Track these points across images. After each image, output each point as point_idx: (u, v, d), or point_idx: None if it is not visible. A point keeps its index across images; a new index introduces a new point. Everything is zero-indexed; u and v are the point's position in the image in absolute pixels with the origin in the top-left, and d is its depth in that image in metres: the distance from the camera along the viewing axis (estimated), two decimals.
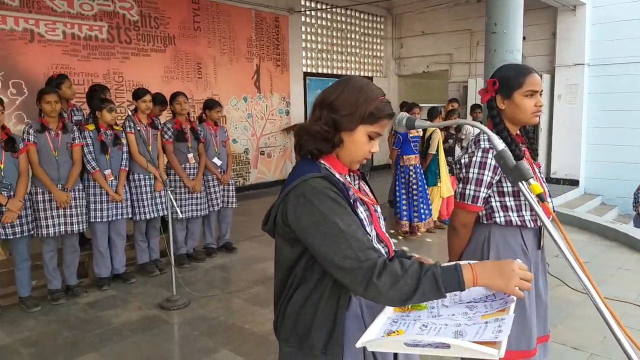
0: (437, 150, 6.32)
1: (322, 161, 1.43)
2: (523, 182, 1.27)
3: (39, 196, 4.13)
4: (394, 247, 1.53)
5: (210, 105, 5.35)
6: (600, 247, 5.90)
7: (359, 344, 1.19)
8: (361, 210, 1.41)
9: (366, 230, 1.38)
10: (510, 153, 1.30)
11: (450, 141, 6.49)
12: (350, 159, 1.43)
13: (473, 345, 1.07)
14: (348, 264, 1.24)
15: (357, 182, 1.53)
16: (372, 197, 1.55)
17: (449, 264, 1.27)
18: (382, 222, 1.52)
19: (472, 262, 1.27)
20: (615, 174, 9.33)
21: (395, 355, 1.47)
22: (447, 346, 1.10)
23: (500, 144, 1.33)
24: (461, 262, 1.27)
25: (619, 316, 3.67)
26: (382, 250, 1.44)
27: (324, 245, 1.27)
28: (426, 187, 6.24)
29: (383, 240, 1.46)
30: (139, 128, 4.65)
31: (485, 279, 1.23)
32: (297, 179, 1.34)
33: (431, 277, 1.21)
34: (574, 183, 9.67)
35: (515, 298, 1.25)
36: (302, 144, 1.42)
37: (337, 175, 1.42)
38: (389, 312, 1.33)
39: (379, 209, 1.53)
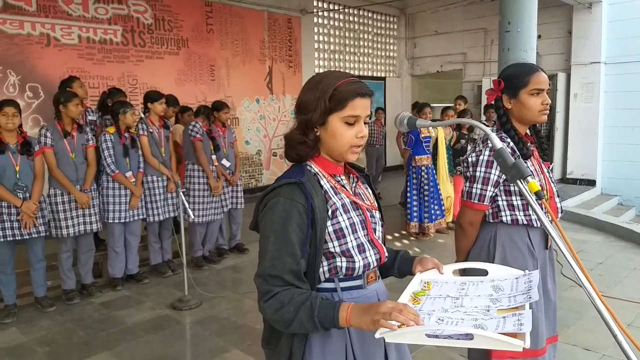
0: (436, 150, 6.29)
1: (311, 164, 1.41)
2: (521, 180, 1.26)
3: (57, 197, 4.20)
4: (386, 254, 1.50)
5: (219, 106, 5.39)
6: (615, 248, 5.81)
7: (377, 335, 1.18)
8: (350, 216, 1.38)
9: (355, 236, 1.38)
10: (508, 152, 1.30)
11: (463, 141, 6.45)
12: (339, 152, 1.38)
13: (499, 336, 1.07)
14: (256, 281, 1.32)
15: (354, 184, 1.49)
16: (371, 201, 1.50)
17: (329, 301, 1.27)
18: (378, 228, 1.48)
19: (352, 303, 1.24)
20: (632, 173, 9.17)
21: (386, 357, 1.45)
22: (470, 338, 1.10)
23: (498, 143, 1.33)
24: (342, 302, 1.26)
25: (633, 317, 3.62)
26: (374, 257, 1.42)
27: (258, 254, 1.36)
28: (438, 187, 6.22)
29: (376, 247, 1.43)
30: (151, 130, 4.71)
31: (355, 319, 1.21)
32: (273, 184, 1.37)
33: (309, 309, 1.24)
34: (591, 183, 9.53)
35: (533, 296, 1.25)
36: (286, 152, 1.44)
37: (326, 179, 1.39)
38: None
39: (376, 215, 1.49)
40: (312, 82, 1.39)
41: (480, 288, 1.39)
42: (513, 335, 1.09)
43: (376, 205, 1.52)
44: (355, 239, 1.38)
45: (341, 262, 1.36)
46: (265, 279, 1.29)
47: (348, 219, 1.38)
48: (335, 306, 1.23)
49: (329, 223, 1.34)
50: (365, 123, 1.38)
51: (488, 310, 1.24)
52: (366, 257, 1.39)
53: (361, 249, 1.39)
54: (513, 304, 1.25)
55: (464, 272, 1.85)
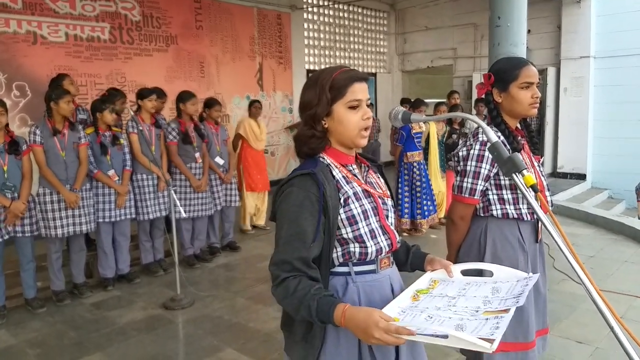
0: (428, 145, 6.30)
1: (324, 155, 1.49)
2: (516, 173, 1.26)
3: (47, 197, 4.15)
4: (398, 239, 1.56)
5: (210, 103, 5.36)
6: (606, 241, 5.86)
7: None
8: (362, 204, 1.45)
9: (367, 222, 1.44)
10: (503, 145, 1.30)
11: (454, 136, 6.47)
12: (349, 137, 1.45)
13: (470, 337, 1.11)
14: (270, 265, 1.40)
15: (365, 173, 1.56)
16: (383, 189, 1.57)
17: (330, 296, 1.31)
18: (390, 215, 1.54)
19: (348, 305, 1.27)
20: (622, 167, 9.25)
21: (397, 353, 1.48)
22: (446, 336, 1.14)
23: (494, 137, 1.33)
24: (339, 302, 1.29)
25: (624, 309, 3.65)
26: (386, 242, 1.48)
27: (275, 242, 1.43)
28: (430, 183, 6.23)
29: (387, 233, 1.50)
30: (141, 128, 4.66)
31: (351, 326, 1.25)
32: (288, 176, 1.44)
33: (307, 308, 1.30)
34: (581, 177, 9.60)
35: (520, 301, 1.28)
36: (297, 151, 1.52)
37: (338, 169, 1.46)
38: (402, 301, 1.38)
39: (389, 202, 1.56)
40: (310, 81, 1.49)
41: (480, 289, 1.42)
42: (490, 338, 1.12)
43: (388, 193, 1.59)
44: (367, 225, 1.45)
45: (354, 247, 1.44)
46: (276, 264, 1.37)
47: (360, 206, 1.45)
48: (330, 311, 1.28)
49: (341, 210, 1.42)
50: (367, 106, 1.46)
51: (477, 311, 1.27)
52: (378, 243, 1.46)
53: (373, 234, 1.46)
54: (502, 306, 1.28)
55: (481, 272, 1.80)
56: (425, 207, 6.13)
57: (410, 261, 1.64)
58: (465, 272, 1.57)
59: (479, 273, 1.63)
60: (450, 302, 1.34)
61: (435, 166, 6.37)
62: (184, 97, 5.04)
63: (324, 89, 1.42)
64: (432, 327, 1.18)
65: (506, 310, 1.23)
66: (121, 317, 4.03)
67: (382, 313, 1.23)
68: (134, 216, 4.73)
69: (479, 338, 1.10)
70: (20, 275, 4.13)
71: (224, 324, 3.87)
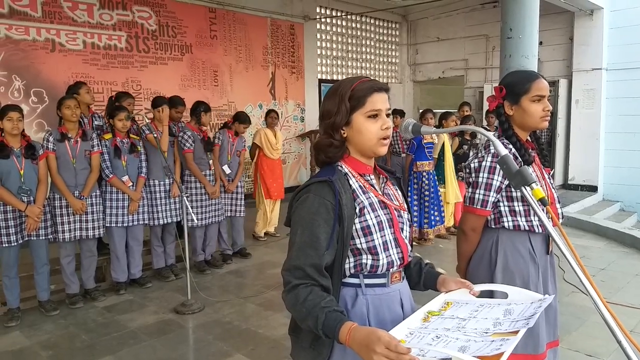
0: (443, 155, 6.32)
1: (342, 164, 1.49)
2: (525, 187, 1.28)
3: (57, 201, 4.24)
4: (409, 254, 1.55)
5: (242, 119, 5.54)
6: (618, 254, 5.82)
7: None
8: (377, 214, 1.45)
9: (382, 234, 1.44)
10: (512, 158, 1.32)
11: (465, 147, 6.47)
12: (368, 146, 1.46)
13: (469, 358, 1.10)
14: (282, 270, 1.40)
15: (383, 184, 1.57)
16: (400, 202, 1.57)
17: (339, 312, 1.29)
18: (405, 228, 1.54)
19: (355, 324, 1.24)
20: (634, 179, 9.17)
21: None
22: (449, 358, 1.13)
23: (503, 150, 1.35)
24: (347, 320, 1.26)
25: (635, 323, 3.62)
26: (397, 256, 1.48)
27: (288, 247, 1.44)
28: (439, 193, 6.23)
29: (400, 246, 1.49)
30: (155, 135, 4.73)
31: (354, 345, 1.21)
32: (305, 182, 1.45)
33: (315, 320, 1.29)
34: (593, 189, 9.53)
35: (530, 323, 1.25)
36: (317, 158, 1.53)
37: (355, 179, 1.46)
38: (412, 322, 1.36)
39: (405, 215, 1.56)
40: (330, 90, 1.50)
41: (493, 311, 1.39)
42: (497, 356, 1.11)
43: (405, 206, 1.59)
44: (382, 236, 1.45)
45: (366, 259, 1.44)
46: (289, 269, 1.37)
47: (375, 217, 1.45)
48: (336, 328, 1.25)
49: (356, 220, 1.42)
50: (387, 115, 1.46)
51: (486, 333, 1.25)
52: (390, 255, 1.46)
53: (386, 246, 1.46)
54: (512, 328, 1.26)
55: (492, 293, 1.72)
56: (432, 217, 6.14)
57: (424, 280, 1.61)
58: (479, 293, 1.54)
59: (490, 293, 1.61)
60: (460, 324, 1.32)
61: (452, 176, 6.35)
62: (208, 108, 5.25)
63: (344, 99, 1.43)
64: (436, 348, 1.17)
65: (515, 333, 1.22)
66: (132, 321, 4.08)
67: (385, 332, 1.19)
68: (147, 222, 4.79)
69: (484, 357, 1.09)
70: (34, 278, 4.19)
71: (234, 329, 3.90)
